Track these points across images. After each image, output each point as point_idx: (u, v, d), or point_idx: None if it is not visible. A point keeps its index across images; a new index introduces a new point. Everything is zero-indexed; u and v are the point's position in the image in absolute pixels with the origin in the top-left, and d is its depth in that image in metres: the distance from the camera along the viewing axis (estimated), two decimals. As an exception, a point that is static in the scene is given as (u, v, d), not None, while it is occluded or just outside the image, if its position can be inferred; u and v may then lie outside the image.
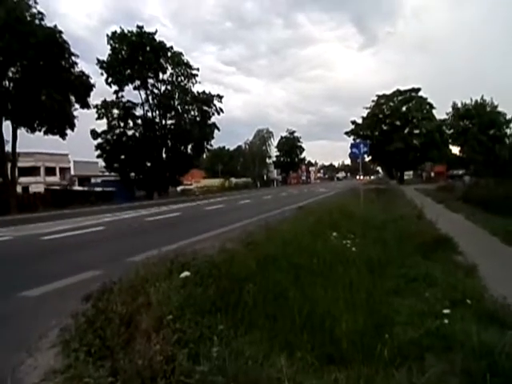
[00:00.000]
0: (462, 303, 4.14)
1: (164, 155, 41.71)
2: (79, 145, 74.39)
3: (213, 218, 17.53)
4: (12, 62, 25.79)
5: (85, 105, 30.64)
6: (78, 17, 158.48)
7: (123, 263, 7.09)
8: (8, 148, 27.60)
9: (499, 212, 12.18)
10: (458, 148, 57.10)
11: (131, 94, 40.90)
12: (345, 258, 5.81)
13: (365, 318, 3.55)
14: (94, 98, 33.82)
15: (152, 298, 3.93)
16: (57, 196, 31.86)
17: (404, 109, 53.93)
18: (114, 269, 6.13)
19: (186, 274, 4.72)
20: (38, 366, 3.32)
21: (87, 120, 37.37)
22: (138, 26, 38.10)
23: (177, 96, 41.36)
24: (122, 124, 39.30)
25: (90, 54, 48.91)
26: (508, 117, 51.63)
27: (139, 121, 40.41)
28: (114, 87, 38.56)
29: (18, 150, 28.34)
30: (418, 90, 54.13)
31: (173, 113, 41.25)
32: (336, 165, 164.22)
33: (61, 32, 27.25)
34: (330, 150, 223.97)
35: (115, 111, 38.71)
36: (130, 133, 39.95)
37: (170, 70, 40.62)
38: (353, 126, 55.62)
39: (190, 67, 41.36)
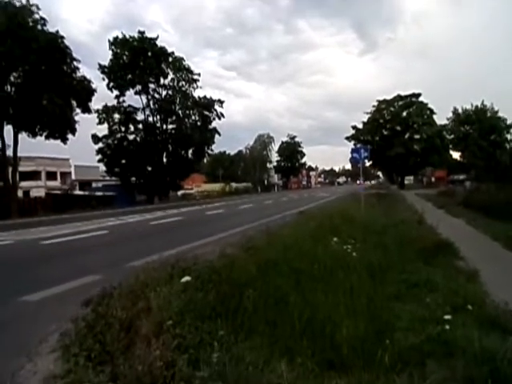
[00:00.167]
0: (464, 309, 4.12)
1: (165, 160, 41.76)
2: (80, 149, 74.55)
3: (213, 222, 17.52)
4: (14, 66, 25.90)
5: (86, 109, 30.76)
6: (80, 22, 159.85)
7: (123, 268, 7.08)
8: (9, 152, 27.69)
9: (500, 217, 12.16)
10: (459, 153, 57.18)
11: (132, 98, 41.05)
12: (345, 263, 5.79)
13: (366, 323, 3.54)
14: (96, 103, 34.00)
15: (152, 303, 3.93)
16: (57, 200, 31.85)
17: (404, 114, 54.05)
18: (114, 273, 6.12)
19: (186, 278, 4.71)
20: (38, 370, 3.30)
21: (88, 125, 37.47)
22: (139, 32, 38.39)
23: (178, 101, 41.52)
24: (122, 129, 39.40)
25: (91, 59, 49.57)
26: (508, 122, 51.74)
27: (140, 125, 40.51)
28: (116, 92, 38.74)
29: (19, 154, 28.39)
30: (419, 95, 54.31)
31: (174, 117, 41.38)
32: (337, 170, 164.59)
33: (63, 37, 27.47)
34: (330, 154, 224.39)
35: (116, 116, 38.84)
36: (130, 137, 40.06)
37: (171, 75, 40.84)
38: (353, 131, 55.78)
39: (191, 72, 41.56)
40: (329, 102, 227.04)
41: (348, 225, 10.06)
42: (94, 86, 31.02)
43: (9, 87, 26.89)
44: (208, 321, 3.67)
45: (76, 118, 29.95)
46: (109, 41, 38.09)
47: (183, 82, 41.45)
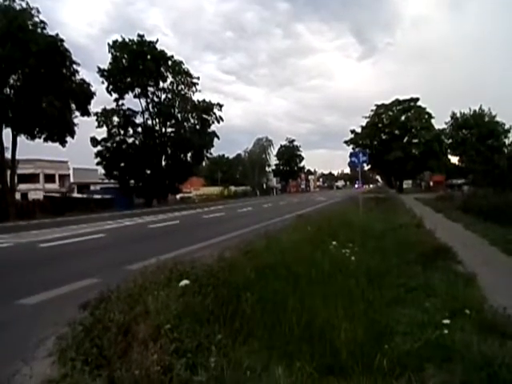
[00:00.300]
0: (462, 313, 4.11)
1: (163, 163, 41.79)
2: (79, 152, 74.54)
3: (212, 226, 17.51)
4: (13, 69, 25.95)
5: (85, 112, 30.81)
6: (80, 26, 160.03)
7: (122, 271, 7.07)
8: (8, 155, 27.67)
9: (498, 221, 12.18)
10: (457, 158, 57.29)
11: (131, 102, 41.13)
12: (344, 267, 5.79)
13: (364, 327, 3.53)
14: (95, 106, 34.10)
15: (150, 307, 3.91)
16: (56, 203, 31.79)
17: (403, 118, 54.21)
18: (112, 277, 6.09)
19: (185, 282, 4.69)
20: (34, 375, 3.28)
21: (87, 127, 37.47)
22: (138, 35, 38.51)
23: (177, 104, 41.59)
24: (121, 132, 39.45)
25: (91, 62, 49.78)
26: (506, 127, 51.91)
27: (139, 129, 40.58)
28: (115, 95, 38.83)
29: (17, 156, 28.40)
30: (417, 99, 54.47)
31: (173, 121, 41.42)
32: (335, 173, 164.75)
33: (62, 40, 27.51)
34: (329, 158, 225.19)
35: (115, 119, 38.91)
36: (129, 140, 40.10)
37: (170, 79, 40.95)
38: (352, 135, 55.88)
39: (191, 76, 41.67)
40: (328, 106, 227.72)
41: (346, 229, 10.06)
42: (93, 89, 31.18)
43: (8, 90, 26.95)
44: (206, 325, 3.65)
45: (75, 120, 30.07)
46: (108, 44, 38.26)
47: (182, 86, 41.59)
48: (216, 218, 22.18)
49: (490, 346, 3.21)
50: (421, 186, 68.24)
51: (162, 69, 39.71)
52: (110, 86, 38.07)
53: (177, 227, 17.65)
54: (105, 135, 38.49)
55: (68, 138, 29.67)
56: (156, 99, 41.04)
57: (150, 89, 40.33)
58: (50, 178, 52.48)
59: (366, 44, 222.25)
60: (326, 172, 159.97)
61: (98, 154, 38.23)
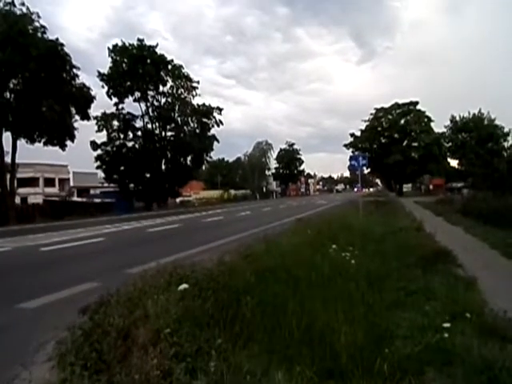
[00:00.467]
0: (462, 317, 4.10)
1: (163, 167, 41.83)
2: (79, 156, 74.57)
3: (211, 229, 17.49)
4: (14, 73, 26.03)
5: (85, 116, 30.88)
6: (80, 30, 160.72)
7: (121, 275, 7.05)
8: (7, 159, 27.69)
9: (498, 225, 12.17)
10: (457, 161, 57.36)
11: (131, 105, 41.22)
12: (344, 270, 5.78)
13: (364, 331, 3.52)
14: (95, 110, 34.16)
15: (149, 311, 3.90)
16: (55, 207, 31.78)
17: (402, 122, 54.37)
18: (111, 281, 6.09)
19: (184, 286, 4.69)
20: (33, 379, 3.26)
21: (87, 131, 37.55)
22: (138, 39, 38.68)
23: (177, 108, 41.68)
24: (121, 136, 39.53)
25: (91, 67, 49.82)
26: (506, 130, 52.04)
27: (139, 132, 40.66)
28: (115, 99, 38.96)
29: (17, 160, 28.42)
30: (416, 103, 54.64)
31: (172, 125, 41.51)
32: (335, 177, 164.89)
33: (62, 45, 27.64)
34: (328, 162, 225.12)
35: (115, 123, 38.99)
36: (129, 144, 40.17)
37: (170, 83, 41.07)
38: (351, 139, 56.02)
39: (190, 80, 41.78)
40: (327, 110, 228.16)
41: (346, 232, 10.05)
42: (93, 93, 31.32)
43: (8, 94, 27.03)
44: (206, 329, 3.64)
45: (75, 124, 30.18)
46: (108, 48, 38.41)
47: (182, 90, 41.70)
48: (215, 221, 22.17)
49: (490, 349, 3.20)
50: (420, 190, 68.29)
51: (161, 73, 39.84)
52: (110, 90, 38.20)
53: (176, 231, 17.63)
54: (105, 139, 38.62)
55: (68, 142, 29.78)
56: (156, 103, 41.20)
57: (150, 93, 40.48)
58: (49, 182, 52.53)
59: (365, 48, 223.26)
60: (325, 175, 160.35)
61: (97, 158, 38.27)
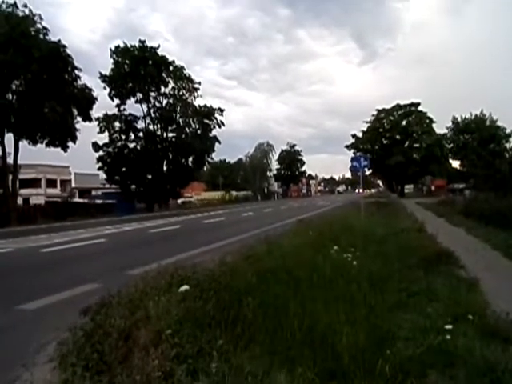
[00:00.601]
0: (465, 318, 4.09)
1: (165, 168, 41.84)
2: (81, 157, 74.77)
3: (213, 231, 17.50)
4: (16, 75, 26.09)
5: (87, 118, 30.93)
6: (82, 32, 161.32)
7: (122, 276, 7.06)
8: (10, 160, 27.75)
9: (500, 226, 12.14)
10: (458, 162, 57.30)
11: (133, 107, 41.25)
12: (345, 271, 5.78)
13: (366, 333, 3.51)
14: (97, 111, 34.23)
15: (151, 312, 3.90)
16: (57, 208, 31.82)
17: (404, 123, 54.30)
18: (113, 282, 6.09)
19: (185, 287, 4.68)
20: (35, 380, 3.26)
21: (89, 133, 37.66)
22: (140, 41, 38.68)
23: (178, 109, 41.68)
24: (123, 137, 39.52)
25: (93, 68, 50.03)
26: (508, 131, 51.95)
27: (141, 134, 40.64)
28: (116, 100, 38.96)
29: (19, 161, 28.49)
30: (418, 104, 54.56)
31: (174, 126, 41.51)
32: (336, 178, 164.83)
33: (64, 46, 27.69)
34: (330, 163, 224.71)
35: (117, 124, 38.99)
36: (131, 145, 40.15)
37: (171, 84, 41.04)
38: (353, 140, 55.93)
39: (192, 81, 41.81)
40: (328, 111, 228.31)
41: (348, 233, 10.05)
42: (95, 94, 31.33)
43: (10, 95, 27.08)
44: (207, 330, 3.64)
45: (77, 126, 30.17)
46: (110, 49, 38.44)
47: (184, 91, 41.68)
48: (217, 222, 22.17)
49: (492, 351, 3.19)
50: (422, 191, 68.17)
51: (163, 74, 39.87)
52: (112, 92, 38.24)
53: (178, 232, 17.64)
54: (106, 140, 38.61)
55: (70, 143, 29.78)
56: (157, 104, 41.20)
57: (152, 94, 40.47)
58: (51, 183, 52.65)
59: (367, 49, 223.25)
60: (327, 177, 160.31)
61: (99, 159, 38.31)
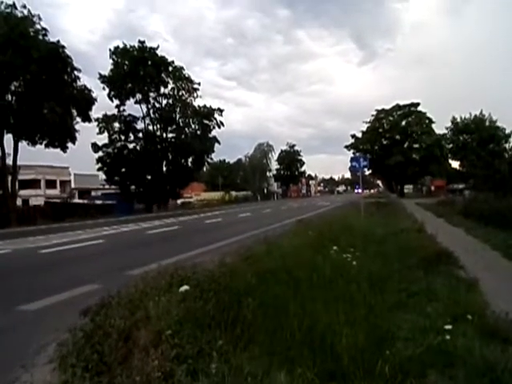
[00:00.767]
0: (464, 319, 4.09)
1: (164, 168, 41.82)
2: (80, 158, 74.73)
3: (212, 231, 17.50)
4: (15, 76, 26.07)
5: (86, 118, 30.92)
6: (81, 32, 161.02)
7: (122, 277, 7.06)
8: (9, 161, 27.74)
9: (500, 226, 12.14)
10: (458, 162, 57.32)
11: (132, 107, 41.21)
12: (345, 271, 5.78)
13: (365, 333, 3.51)
14: (96, 112, 34.20)
15: (151, 313, 3.90)
16: (57, 209, 31.82)
17: (403, 123, 54.34)
18: (112, 282, 6.09)
19: (185, 288, 4.68)
20: (35, 381, 3.26)
21: (88, 133, 37.59)
22: (139, 41, 38.66)
23: (178, 110, 41.66)
24: (122, 137, 39.49)
25: (92, 69, 49.94)
26: (507, 131, 51.98)
27: (140, 134, 40.62)
28: (116, 101, 38.93)
29: (18, 162, 28.47)
30: (418, 104, 54.60)
31: (174, 126, 41.49)
32: (336, 178, 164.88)
33: (64, 47, 27.68)
34: (329, 163, 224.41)
35: (116, 125, 38.96)
36: (130, 146, 40.13)
37: (171, 85, 41.02)
38: (353, 140, 55.97)
39: (191, 82, 41.80)
40: (328, 111, 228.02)
41: (347, 233, 10.05)
42: (94, 95, 31.31)
43: (10, 96, 27.07)
44: (207, 330, 3.64)
45: (76, 126, 30.16)
46: (109, 50, 38.40)
47: (183, 92, 41.67)
48: (217, 223, 22.17)
49: (492, 351, 3.19)
50: (422, 191, 68.17)
51: (162, 75, 39.85)
52: (111, 92, 38.22)
53: (177, 233, 17.63)
54: (106, 141, 38.57)
55: (69, 144, 29.78)
56: (157, 105, 41.17)
57: (151, 94, 40.45)
58: (51, 184, 52.62)
59: (367, 49, 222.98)
60: (326, 177, 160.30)
61: (98, 160, 38.28)
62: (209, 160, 44.93)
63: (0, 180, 26.84)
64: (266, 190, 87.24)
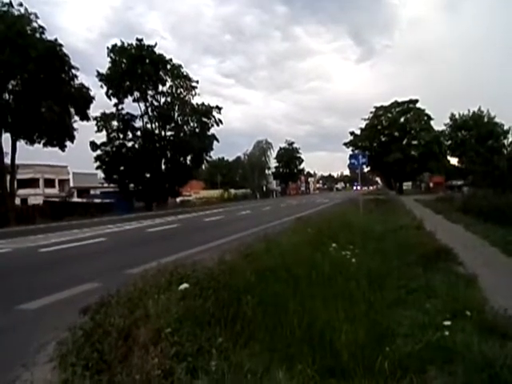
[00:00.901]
0: (463, 315, 4.11)
1: (163, 166, 41.80)
2: (78, 157, 74.54)
3: (212, 229, 17.50)
4: (12, 74, 25.98)
5: (84, 117, 30.85)
6: (79, 30, 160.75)
7: (122, 275, 7.06)
8: (7, 160, 27.66)
9: (499, 222, 12.17)
10: (457, 159, 57.32)
11: (131, 106, 41.22)
12: (344, 269, 5.78)
13: (365, 329, 3.52)
14: (94, 110, 34.12)
15: (150, 311, 3.90)
16: (55, 208, 31.76)
17: (402, 120, 54.35)
18: (112, 281, 6.09)
19: (184, 285, 4.69)
20: (35, 380, 3.26)
21: (87, 132, 37.52)
22: (137, 39, 38.59)
23: (176, 108, 41.63)
24: (121, 136, 39.48)
25: (90, 67, 49.71)
26: (505, 127, 51.98)
27: (138, 132, 40.60)
28: (114, 99, 38.89)
29: (17, 161, 28.39)
30: (416, 101, 54.61)
31: (172, 124, 41.45)
32: (335, 175, 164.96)
33: (61, 45, 27.59)
34: (328, 160, 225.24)
35: (114, 123, 38.95)
36: (129, 144, 40.13)
37: (169, 82, 41.01)
38: (351, 137, 56.03)
39: (190, 79, 41.74)
40: (326, 109, 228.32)
41: (346, 231, 10.05)
42: (92, 93, 31.24)
43: (7, 95, 26.99)
44: (207, 328, 3.64)
45: (74, 125, 30.14)
46: (107, 48, 38.35)
47: (181, 89, 41.64)
48: (216, 221, 22.17)
49: (491, 347, 3.20)
50: (420, 188, 68.32)
51: (160, 72, 39.79)
52: (109, 91, 38.17)
53: (177, 231, 17.63)
54: (104, 139, 38.58)
55: (67, 143, 29.76)
56: (155, 103, 41.15)
57: (149, 92, 40.42)
58: (49, 183, 52.52)
59: (364, 46, 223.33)
60: (325, 174, 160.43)
61: (97, 159, 38.25)
62: (207, 158, 45.02)
63: (-1, 179, 26.80)
64: (264, 188, 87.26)
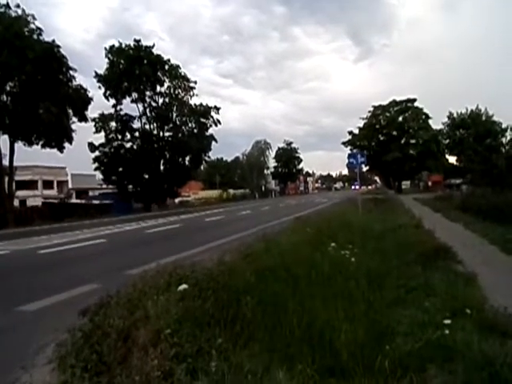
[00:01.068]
0: (463, 313, 4.11)
1: (162, 167, 41.76)
2: (77, 158, 74.45)
3: (211, 229, 17.49)
4: (10, 76, 25.92)
5: (83, 118, 30.79)
6: (76, 31, 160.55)
7: (121, 276, 7.05)
8: (5, 162, 27.58)
9: (498, 220, 12.19)
10: (455, 157, 57.37)
11: (129, 106, 41.23)
12: (344, 268, 5.78)
13: (365, 329, 3.52)
14: (92, 111, 34.07)
15: (150, 312, 3.89)
16: (54, 209, 31.70)
17: (400, 119, 54.38)
18: (111, 282, 6.07)
19: (184, 286, 4.68)
20: (34, 382, 3.26)
21: (85, 133, 37.49)
22: (135, 40, 38.52)
23: (174, 108, 41.60)
24: (119, 137, 39.42)
25: (87, 68, 49.63)
26: (503, 126, 52.04)
27: (137, 133, 40.54)
28: (112, 100, 38.83)
29: (15, 163, 28.32)
30: (414, 100, 54.66)
31: (170, 125, 41.42)
32: (333, 175, 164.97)
33: (59, 46, 27.52)
34: (327, 160, 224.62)
35: (113, 124, 38.87)
36: (127, 145, 40.06)
37: (167, 83, 40.97)
38: (350, 137, 56.03)
39: (188, 80, 41.72)
40: (325, 108, 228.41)
41: (346, 230, 10.06)
42: (90, 94, 31.12)
43: (5, 97, 26.93)
44: (206, 329, 3.64)
45: (72, 126, 30.03)
46: (105, 49, 38.29)
47: (179, 90, 41.60)
48: (215, 221, 22.16)
49: (491, 345, 3.20)
50: (419, 187, 68.40)
51: (158, 73, 39.74)
52: (107, 92, 38.09)
53: (176, 231, 17.61)
54: (102, 140, 38.51)
55: (66, 144, 29.63)
56: (153, 104, 41.09)
57: (148, 93, 40.36)
58: (48, 185, 52.39)
59: (363, 46, 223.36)
60: (324, 173, 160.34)
61: (95, 160, 38.19)
62: (206, 158, 44.98)
63: (-3, 181, 26.74)
64: (263, 188, 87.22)
